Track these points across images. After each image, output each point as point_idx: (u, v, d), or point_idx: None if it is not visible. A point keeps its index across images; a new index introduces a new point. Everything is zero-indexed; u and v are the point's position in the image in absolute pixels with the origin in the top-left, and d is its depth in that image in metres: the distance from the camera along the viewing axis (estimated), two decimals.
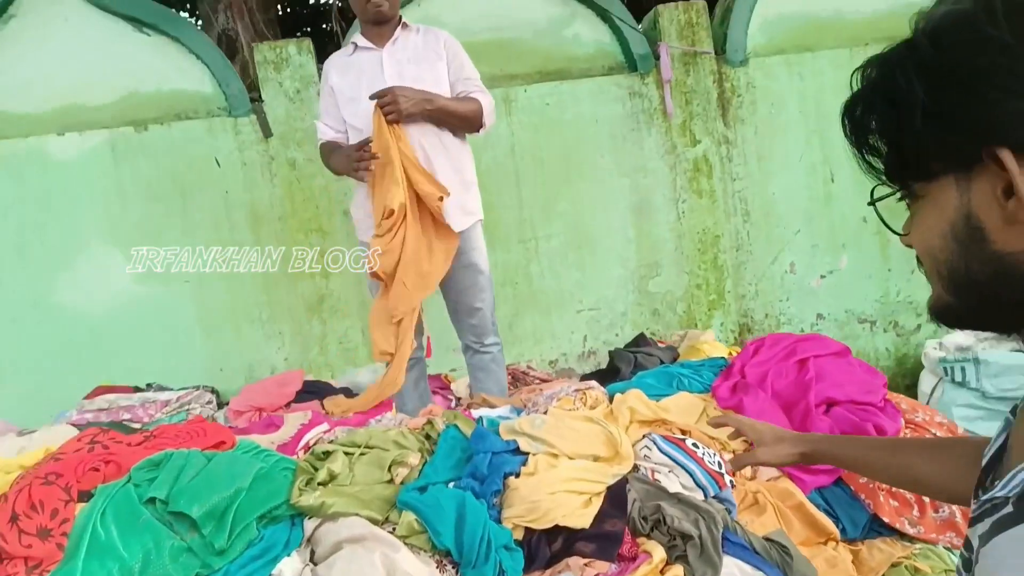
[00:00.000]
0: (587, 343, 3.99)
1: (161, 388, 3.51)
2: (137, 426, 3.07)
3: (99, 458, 1.80)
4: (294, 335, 3.72)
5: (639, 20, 4.19)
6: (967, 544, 0.66)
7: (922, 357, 4.01)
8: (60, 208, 3.47)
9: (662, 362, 2.52)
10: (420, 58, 2.64)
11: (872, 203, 0.69)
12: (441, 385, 3.60)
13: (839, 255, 4.25)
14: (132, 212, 3.53)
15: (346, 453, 1.86)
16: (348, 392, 3.61)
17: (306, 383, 3.54)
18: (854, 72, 0.67)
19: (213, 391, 3.51)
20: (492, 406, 2.22)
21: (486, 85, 3.88)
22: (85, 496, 1.72)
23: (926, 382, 4.00)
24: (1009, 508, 0.59)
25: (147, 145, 3.55)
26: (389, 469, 1.80)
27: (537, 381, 3.41)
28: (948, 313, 0.66)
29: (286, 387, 3.46)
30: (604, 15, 3.99)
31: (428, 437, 1.94)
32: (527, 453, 1.80)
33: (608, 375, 2.56)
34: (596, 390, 2.10)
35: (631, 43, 3.98)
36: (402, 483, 1.80)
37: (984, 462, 0.72)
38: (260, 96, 3.64)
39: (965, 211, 0.59)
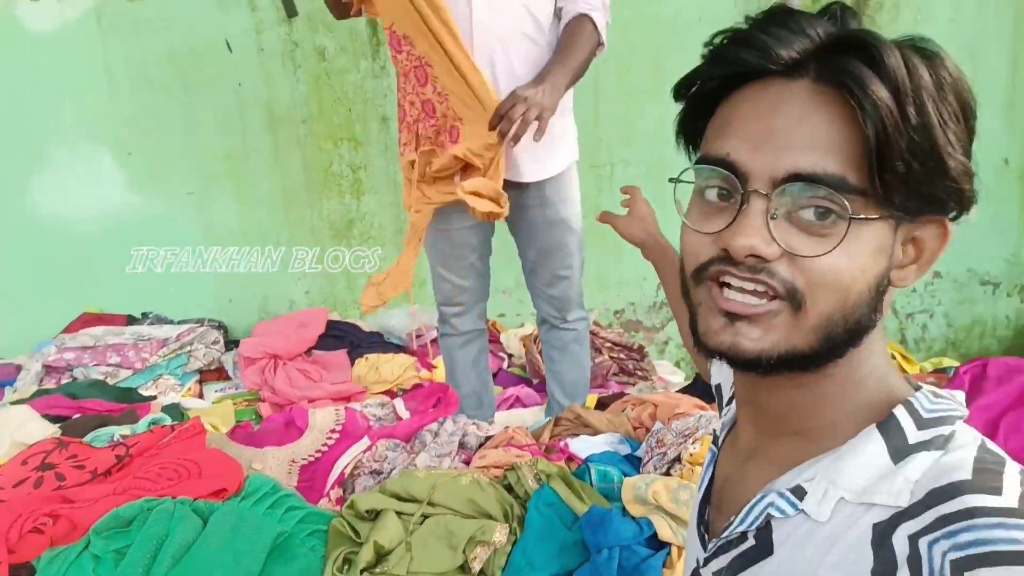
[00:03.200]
0: (659, 293, 3.37)
1: (159, 319, 2.95)
2: (127, 373, 2.53)
3: (47, 506, 1.23)
4: (317, 264, 3.10)
5: None
6: None
7: None
8: (35, 92, 2.79)
9: None
10: None
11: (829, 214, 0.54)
12: (490, 336, 3.03)
13: None
14: (123, 102, 2.85)
15: (399, 513, 1.29)
16: (379, 337, 3.05)
17: (330, 324, 2.97)
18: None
19: (220, 326, 2.95)
20: (587, 425, 1.63)
21: None
22: (22, 571, 1.17)
23: None
24: (751, 541, 0.61)
25: (141, 19, 2.82)
26: (464, 549, 1.24)
27: (609, 345, 2.82)
28: (790, 360, 0.57)
29: (306, 329, 2.89)
30: None
31: (510, 489, 1.37)
32: (668, 543, 1.23)
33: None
34: None
35: None
36: (481, 572, 1.24)
37: (698, 500, 0.72)
38: None
39: (891, 263, 0.57)
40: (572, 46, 1.82)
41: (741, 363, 0.57)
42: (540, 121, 1.70)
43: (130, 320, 2.93)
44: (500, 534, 1.26)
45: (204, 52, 2.86)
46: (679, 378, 2.83)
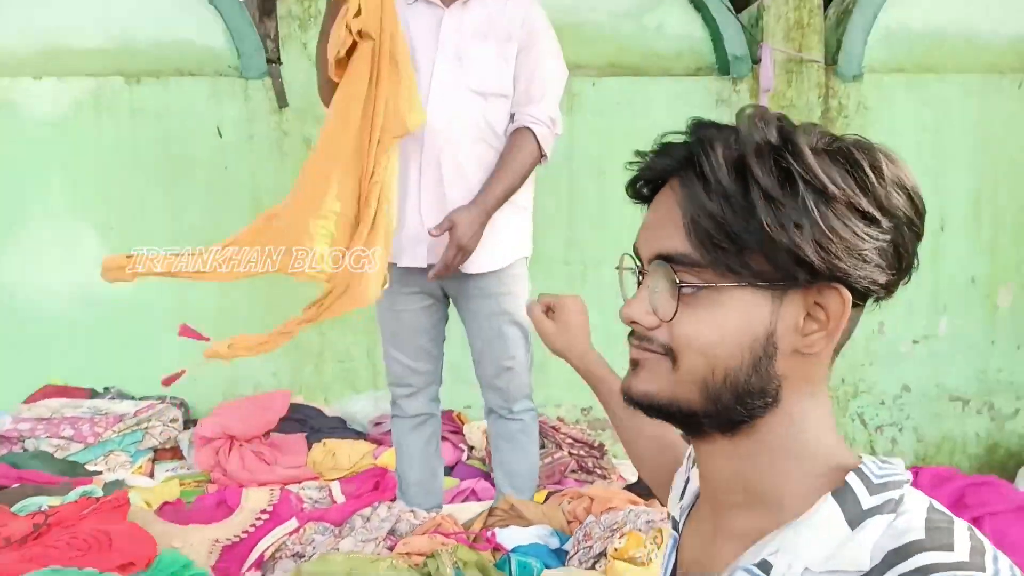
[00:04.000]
0: None
1: (121, 395, 2.94)
2: (78, 447, 2.51)
3: None
4: (286, 347, 3.09)
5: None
6: None
7: None
8: (25, 167, 2.89)
9: None
10: (488, 32, 1.98)
11: (694, 285, 0.62)
12: (453, 428, 3.00)
13: (938, 319, 3.58)
14: (111, 179, 2.95)
15: None
16: (341, 423, 3.03)
17: (293, 407, 2.96)
18: (740, 112, 0.64)
19: (181, 404, 2.93)
20: (521, 517, 1.60)
21: None
22: None
23: None
24: None
25: (138, 101, 2.96)
26: None
27: (570, 442, 2.80)
28: (674, 410, 0.64)
29: (268, 412, 2.87)
30: (698, 3, 3.33)
31: None
32: None
33: None
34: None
35: (727, 41, 3.32)
36: None
37: None
38: (279, 58, 3.03)
39: (772, 329, 0.61)
40: (510, 162, 1.93)
41: (634, 402, 0.66)
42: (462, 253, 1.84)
43: (92, 394, 2.92)
44: None
45: (195, 135, 2.98)
46: None
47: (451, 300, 2.11)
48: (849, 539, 0.57)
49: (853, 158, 0.60)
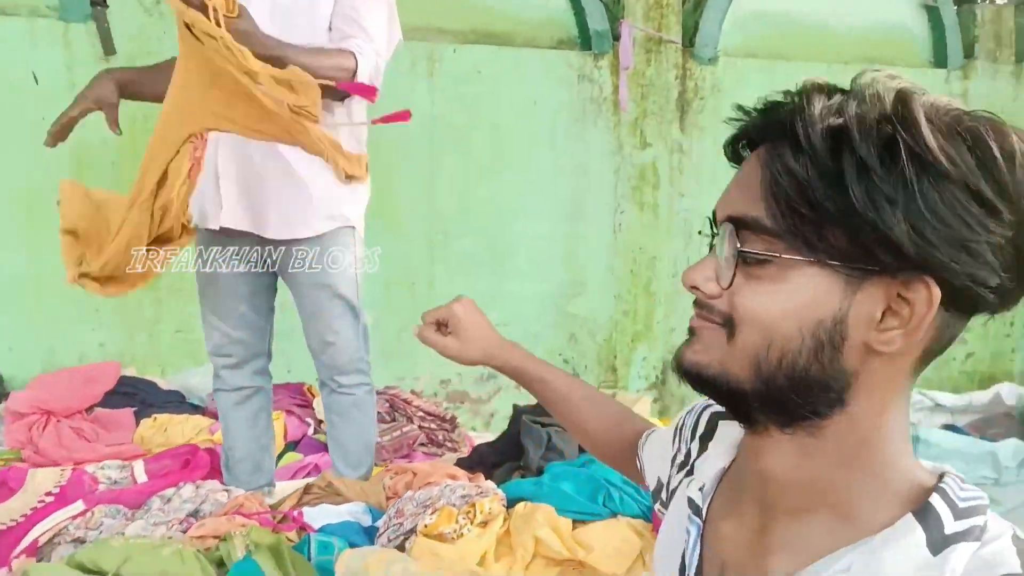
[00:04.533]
0: None
1: None
2: None
3: None
4: (116, 314, 2.89)
5: None
6: None
7: None
8: None
9: (583, 450, 1.87)
10: None
11: (756, 253, 0.56)
12: (301, 401, 2.89)
13: None
14: None
15: None
16: (179, 396, 2.85)
17: (123, 380, 2.75)
18: (856, 76, 0.56)
19: None
20: (339, 495, 1.53)
21: (406, 37, 3.14)
22: None
23: None
24: None
25: None
26: None
27: (421, 415, 2.75)
28: (723, 385, 0.59)
29: (92, 385, 2.66)
30: None
31: (221, 565, 1.25)
32: None
33: (508, 450, 1.91)
34: (490, 498, 1.45)
35: (588, 15, 3.32)
36: None
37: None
38: (105, 1, 2.76)
39: (842, 316, 0.55)
40: (313, 52, 1.75)
41: (684, 371, 0.61)
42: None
43: None
44: None
45: (8, 82, 2.69)
46: None
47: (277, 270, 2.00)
48: (930, 566, 0.52)
49: (979, 135, 0.52)
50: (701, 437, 0.74)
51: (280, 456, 2.57)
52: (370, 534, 1.40)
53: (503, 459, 1.88)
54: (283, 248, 1.89)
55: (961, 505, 0.55)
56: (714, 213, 0.61)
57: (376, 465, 2.22)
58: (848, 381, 0.56)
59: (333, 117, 1.89)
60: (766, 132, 0.58)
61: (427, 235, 3.25)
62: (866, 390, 0.56)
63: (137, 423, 2.58)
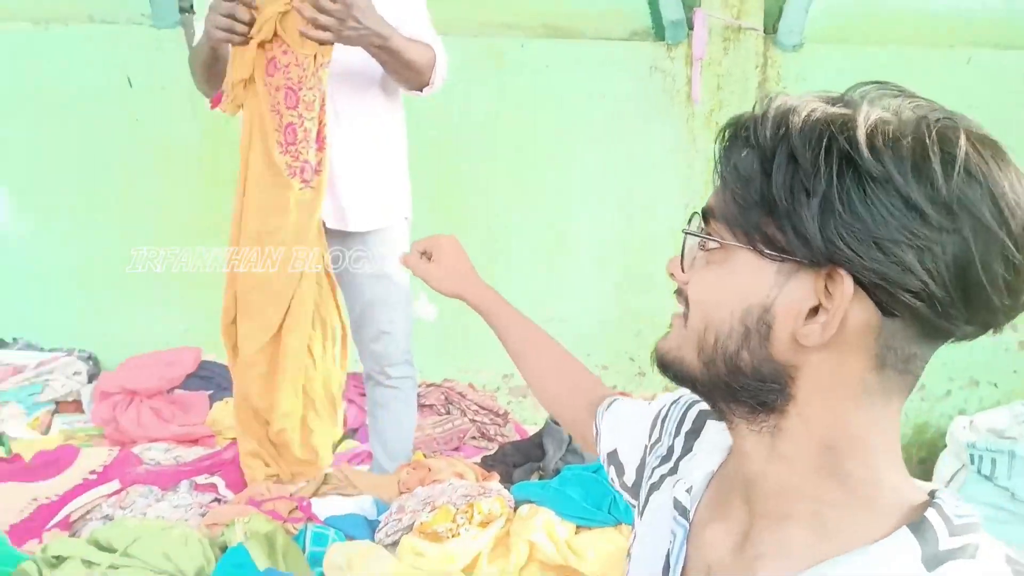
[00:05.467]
0: None
1: (29, 346, 2.92)
2: None
3: None
4: (200, 303, 3.08)
5: None
6: None
7: (947, 434, 3.36)
8: None
9: None
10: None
11: (699, 235, 0.62)
12: (361, 391, 2.99)
13: None
14: (16, 128, 2.89)
15: (87, 563, 1.24)
16: None
17: (203, 364, 2.94)
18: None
19: (90, 357, 2.92)
20: (353, 489, 1.59)
21: (475, 32, 3.17)
22: None
23: (946, 465, 3.35)
24: None
25: (46, 46, 2.89)
26: None
27: (475, 408, 2.79)
28: (679, 370, 0.63)
29: (173, 367, 2.86)
30: None
31: (224, 550, 1.32)
32: None
33: (531, 450, 1.92)
34: (494, 499, 1.46)
35: (663, 5, 3.21)
36: None
37: None
38: (192, 7, 2.94)
39: (768, 304, 0.57)
40: (412, 40, 1.84)
41: (656, 359, 0.65)
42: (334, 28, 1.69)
43: (0, 344, 2.91)
44: None
45: (104, 84, 2.92)
46: None
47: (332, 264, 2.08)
48: None
49: (921, 139, 0.52)
50: (687, 434, 0.74)
51: (339, 442, 2.68)
52: (373, 528, 1.44)
53: (525, 459, 1.89)
54: (347, 241, 1.97)
55: (956, 522, 0.54)
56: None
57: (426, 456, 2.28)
58: (786, 373, 0.57)
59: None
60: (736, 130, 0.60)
61: (489, 230, 3.27)
62: (817, 391, 0.56)
63: (211, 406, 2.76)
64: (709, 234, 0.60)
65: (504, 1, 3.19)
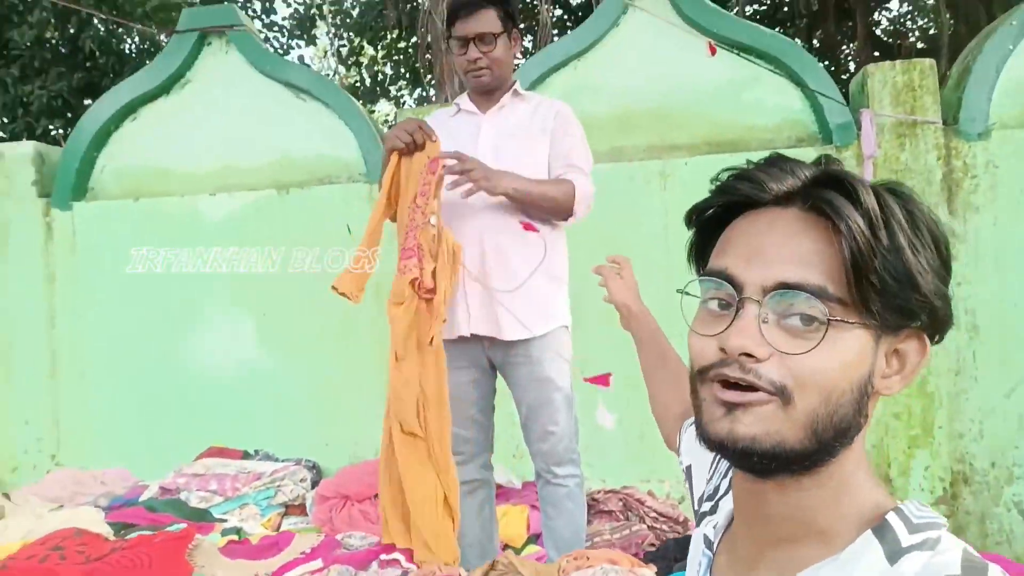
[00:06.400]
0: None
1: (267, 457, 3.41)
2: (219, 499, 2.96)
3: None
4: None
5: (841, 78, 3.44)
6: None
7: None
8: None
9: None
10: (523, 132, 2.24)
11: (821, 318, 0.61)
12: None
13: None
14: (265, 275, 3.51)
15: None
16: None
17: None
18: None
19: (314, 466, 3.33)
20: (518, 574, 1.70)
21: (642, 157, 3.40)
22: None
23: None
24: None
25: (287, 208, 3.53)
26: None
27: (654, 515, 2.79)
28: (779, 452, 0.61)
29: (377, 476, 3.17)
30: (796, 78, 3.33)
31: None
32: None
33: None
34: None
35: (827, 111, 3.27)
36: None
37: None
38: None
39: (872, 368, 0.62)
40: (545, 182, 2.13)
41: (738, 451, 0.61)
42: (473, 184, 2.01)
43: (244, 455, 3.42)
44: None
45: (331, 233, 3.48)
46: None
47: (497, 370, 2.28)
48: (888, 573, 0.58)
49: (920, 203, 0.63)
50: (730, 479, 0.76)
51: (523, 548, 2.79)
52: None
53: (685, 554, 1.88)
54: (508, 349, 2.17)
55: (916, 521, 0.61)
56: (728, 275, 0.63)
57: None
58: (861, 424, 0.63)
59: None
60: (789, 196, 0.63)
61: None
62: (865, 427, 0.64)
63: None
64: (800, 309, 0.59)
65: (667, 125, 3.41)
